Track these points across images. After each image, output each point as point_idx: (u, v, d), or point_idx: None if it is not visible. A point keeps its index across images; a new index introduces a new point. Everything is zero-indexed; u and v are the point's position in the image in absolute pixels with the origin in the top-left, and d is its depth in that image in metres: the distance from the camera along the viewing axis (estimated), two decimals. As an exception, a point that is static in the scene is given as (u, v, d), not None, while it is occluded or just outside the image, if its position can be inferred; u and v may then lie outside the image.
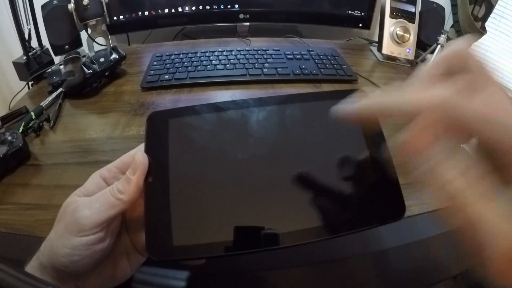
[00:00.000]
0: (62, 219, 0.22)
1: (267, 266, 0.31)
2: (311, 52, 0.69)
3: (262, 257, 0.32)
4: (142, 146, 0.24)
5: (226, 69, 0.62)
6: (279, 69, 0.62)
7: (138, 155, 0.22)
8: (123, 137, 0.48)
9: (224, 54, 0.66)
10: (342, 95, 0.24)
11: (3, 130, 0.46)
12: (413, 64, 0.75)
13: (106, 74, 0.60)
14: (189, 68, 0.62)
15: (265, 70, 0.62)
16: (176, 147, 0.23)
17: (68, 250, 0.20)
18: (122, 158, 0.24)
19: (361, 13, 0.82)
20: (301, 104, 0.24)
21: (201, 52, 0.66)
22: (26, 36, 0.62)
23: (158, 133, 0.23)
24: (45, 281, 0.15)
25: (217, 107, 0.24)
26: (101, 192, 0.22)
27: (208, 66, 0.62)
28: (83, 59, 0.57)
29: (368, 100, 0.18)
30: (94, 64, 0.56)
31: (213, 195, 0.21)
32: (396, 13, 0.74)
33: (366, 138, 0.22)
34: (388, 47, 0.74)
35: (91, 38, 0.64)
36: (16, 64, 0.62)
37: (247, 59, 0.64)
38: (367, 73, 0.69)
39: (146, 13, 0.74)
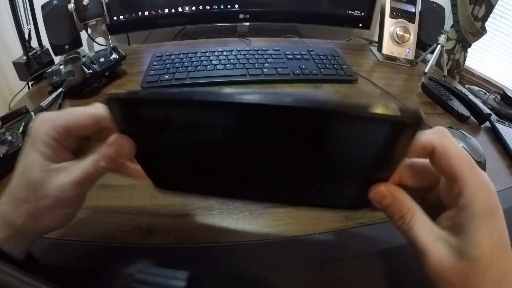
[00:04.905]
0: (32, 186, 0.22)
1: (267, 266, 0.31)
2: (311, 52, 0.69)
3: (262, 257, 0.32)
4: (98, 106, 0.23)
5: (226, 69, 0.62)
6: (279, 69, 0.62)
7: (123, 142, 0.21)
8: (123, 137, 0.48)
9: (224, 54, 0.66)
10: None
11: (3, 130, 0.46)
12: (413, 64, 0.75)
13: (106, 74, 0.60)
14: (189, 68, 0.62)
15: (265, 70, 0.62)
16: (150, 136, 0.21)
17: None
18: (74, 116, 0.23)
19: (361, 13, 0.82)
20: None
21: (201, 52, 0.66)
22: (26, 36, 0.62)
23: (125, 120, 0.21)
24: (47, 282, 0.15)
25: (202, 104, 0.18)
26: (81, 168, 0.22)
27: (208, 66, 0.62)
28: (83, 59, 0.57)
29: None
30: (94, 64, 0.56)
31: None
32: (396, 13, 0.74)
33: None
34: (388, 47, 0.74)
35: (91, 38, 0.64)
36: (16, 64, 0.62)
37: (247, 59, 0.64)
38: (367, 73, 0.69)
39: (146, 13, 0.74)
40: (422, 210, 0.21)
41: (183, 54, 0.66)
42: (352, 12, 0.82)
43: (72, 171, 0.22)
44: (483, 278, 0.18)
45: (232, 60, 0.64)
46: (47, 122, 0.22)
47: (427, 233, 0.20)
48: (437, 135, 0.20)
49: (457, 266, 0.19)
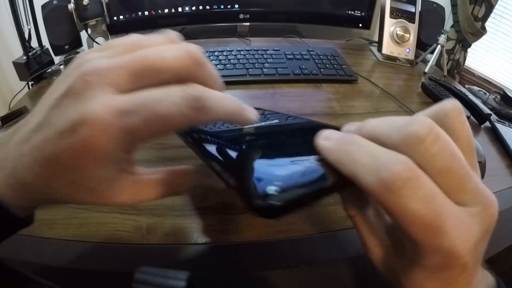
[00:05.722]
0: None
1: (267, 266, 0.31)
2: (311, 52, 0.69)
3: (262, 257, 0.32)
4: None
5: (226, 69, 0.62)
6: (279, 69, 0.62)
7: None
8: (123, 137, 0.48)
9: (224, 54, 0.66)
10: None
11: (3, 130, 0.46)
12: (413, 64, 0.75)
13: (106, 74, 0.60)
14: (189, 68, 0.62)
15: (265, 70, 0.62)
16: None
17: None
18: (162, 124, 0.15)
19: (361, 13, 0.82)
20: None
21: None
22: (26, 36, 0.62)
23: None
24: (47, 282, 0.15)
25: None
26: (154, 193, 0.19)
27: (208, 66, 0.62)
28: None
29: None
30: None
31: None
32: (396, 13, 0.74)
33: None
34: (388, 47, 0.74)
35: (91, 38, 0.64)
36: (16, 64, 0.62)
37: (247, 59, 0.64)
38: (367, 73, 0.69)
39: (146, 13, 0.74)
40: (371, 210, 0.20)
41: (183, 54, 0.66)
42: (352, 12, 0.82)
43: (141, 193, 0.18)
44: None
45: (232, 60, 0.64)
46: (118, 132, 0.15)
47: (371, 236, 0.20)
48: (382, 190, 0.13)
49: (392, 275, 0.18)
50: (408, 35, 0.73)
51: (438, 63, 0.79)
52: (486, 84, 1.12)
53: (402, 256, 0.17)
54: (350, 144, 0.15)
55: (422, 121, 0.14)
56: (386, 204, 0.14)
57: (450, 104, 0.16)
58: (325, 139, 0.16)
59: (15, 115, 0.51)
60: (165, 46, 0.16)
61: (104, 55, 0.16)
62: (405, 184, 0.13)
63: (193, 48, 0.17)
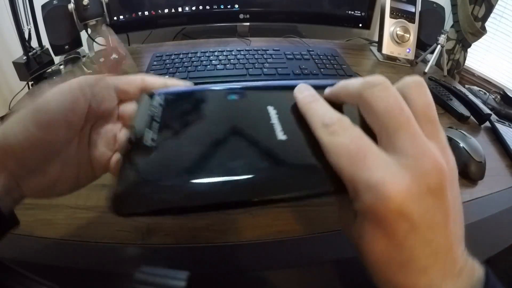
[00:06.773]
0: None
1: (267, 266, 0.31)
2: (311, 52, 0.69)
3: (262, 257, 0.32)
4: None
5: (226, 69, 0.62)
6: (279, 69, 0.62)
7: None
8: (123, 137, 0.48)
9: (224, 54, 0.66)
10: None
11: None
12: (413, 64, 0.75)
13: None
14: (189, 68, 0.62)
15: (265, 70, 0.62)
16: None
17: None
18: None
19: (361, 13, 0.82)
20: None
21: (201, 52, 0.66)
22: (26, 36, 0.62)
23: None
24: (47, 282, 0.15)
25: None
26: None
27: (208, 66, 0.62)
28: (83, 59, 0.57)
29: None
30: (94, 64, 0.56)
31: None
32: (396, 13, 0.74)
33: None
34: (388, 47, 0.74)
35: (91, 38, 0.64)
36: (16, 64, 0.62)
37: (247, 59, 0.64)
38: (367, 73, 0.69)
39: (146, 13, 0.74)
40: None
41: (183, 54, 0.66)
42: (352, 12, 0.82)
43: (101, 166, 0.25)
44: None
45: (232, 60, 0.64)
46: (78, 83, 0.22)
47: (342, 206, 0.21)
48: (324, 130, 0.18)
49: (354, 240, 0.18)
50: (408, 35, 0.73)
51: (438, 63, 0.79)
52: (486, 84, 1.12)
53: (354, 218, 0.18)
54: (313, 101, 0.19)
55: (378, 75, 0.18)
56: (324, 141, 0.17)
57: (411, 78, 0.18)
58: (299, 92, 0.21)
59: (15, 115, 0.50)
60: None
61: None
62: (338, 127, 0.17)
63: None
